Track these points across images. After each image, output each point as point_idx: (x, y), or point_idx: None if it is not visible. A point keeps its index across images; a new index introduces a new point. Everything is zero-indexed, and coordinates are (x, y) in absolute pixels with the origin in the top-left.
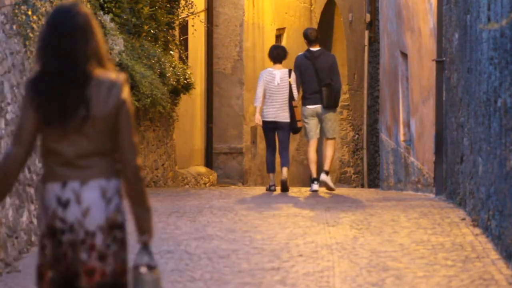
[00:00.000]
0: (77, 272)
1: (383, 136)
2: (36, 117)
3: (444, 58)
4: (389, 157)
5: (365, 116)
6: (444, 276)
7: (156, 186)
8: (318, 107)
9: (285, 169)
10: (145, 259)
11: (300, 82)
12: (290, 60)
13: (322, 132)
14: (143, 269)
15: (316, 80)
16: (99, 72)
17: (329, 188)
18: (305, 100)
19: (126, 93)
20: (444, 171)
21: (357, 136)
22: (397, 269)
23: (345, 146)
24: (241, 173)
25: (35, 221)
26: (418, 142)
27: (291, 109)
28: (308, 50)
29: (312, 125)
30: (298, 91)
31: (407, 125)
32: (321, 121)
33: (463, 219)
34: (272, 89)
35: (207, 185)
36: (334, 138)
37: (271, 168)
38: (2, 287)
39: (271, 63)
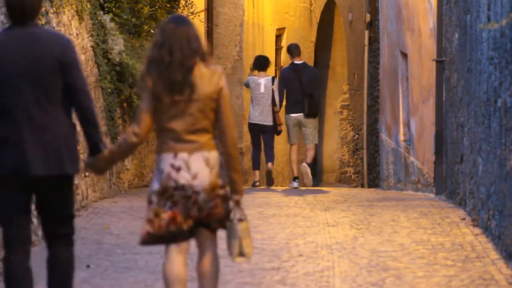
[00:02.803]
0: (188, 215)
1: (383, 136)
2: (152, 102)
3: (444, 58)
4: (389, 157)
5: (365, 116)
6: (444, 276)
7: None
8: (300, 115)
9: (269, 164)
10: (238, 213)
11: (284, 92)
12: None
13: (304, 137)
14: (236, 220)
15: (300, 91)
16: (202, 64)
17: (307, 179)
18: (289, 109)
19: (223, 80)
20: (444, 171)
21: (357, 136)
22: (397, 269)
23: (345, 146)
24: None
25: (35, 221)
26: (418, 142)
27: (273, 113)
28: (293, 63)
29: (295, 132)
30: (282, 100)
31: (407, 125)
32: (303, 128)
33: (463, 219)
34: (257, 95)
35: None
36: (313, 144)
37: (256, 165)
38: (2, 287)
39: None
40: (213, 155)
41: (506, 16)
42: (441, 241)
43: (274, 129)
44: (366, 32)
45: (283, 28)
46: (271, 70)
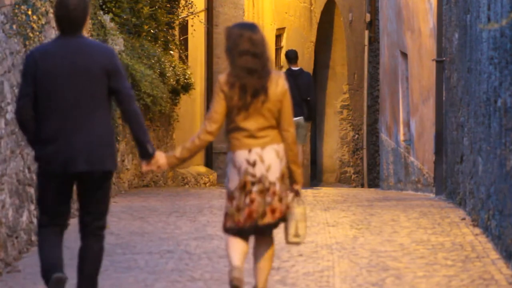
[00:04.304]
0: (264, 212)
1: (383, 136)
2: (226, 104)
3: (444, 58)
4: (389, 157)
5: (365, 116)
6: (444, 276)
7: (156, 186)
8: (299, 118)
9: None
10: (296, 200)
11: None
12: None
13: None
14: (294, 206)
15: (297, 95)
16: (272, 70)
17: None
18: None
19: (286, 84)
20: (444, 171)
21: (357, 136)
22: (397, 269)
23: (345, 146)
24: None
25: (35, 221)
26: (418, 142)
27: None
28: (290, 69)
29: None
30: None
31: (407, 125)
32: (298, 129)
33: (463, 219)
34: None
35: (207, 185)
36: (302, 144)
37: None
38: (2, 287)
39: None
40: (282, 147)
41: (506, 16)
42: (441, 241)
43: None
44: (366, 32)
45: (283, 28)
46: None
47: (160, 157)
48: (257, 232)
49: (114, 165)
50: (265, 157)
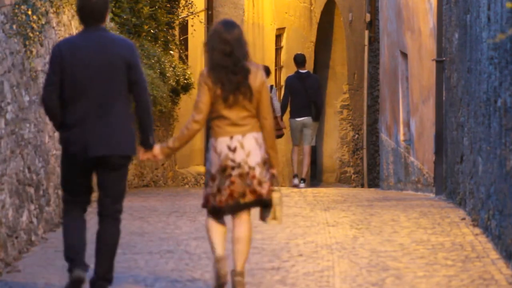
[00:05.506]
0: (244, 192)
1: (383, 136)
2: (210, 95)
3: (444, 58)
4: (389, 157)
5: (365, 116)
6: (444, 276)
7: (156, 186)
8: (305, 119)
9: None
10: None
11: (289, 98)
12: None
13: (303, 138)
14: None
15: (305, 97)
16: (249, 64)
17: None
18: (295, 113)
19: (264, 76)
20: (444, 171)
21: (357, 136)
22: (397, 269)
23: (345, 146)
24: None
25: (35, 221)
26: (418, 142)
27: None
28: (298, 72)
29: (298, 134)
30: (287, 106)
31: (407, 125)
32: (304, 128)
33: (463, 219)
34: None
35: None
36: (310, 146)
37: None
38: (2, 287)
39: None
40: (260, 135)
41: (506, 16)
42: (441, 241)
43: None
44: (366, 32)
45: (283, 28)
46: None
47: (156, 148)
48: (237, 210)
49: (133, 150)
50: (246, 143)
